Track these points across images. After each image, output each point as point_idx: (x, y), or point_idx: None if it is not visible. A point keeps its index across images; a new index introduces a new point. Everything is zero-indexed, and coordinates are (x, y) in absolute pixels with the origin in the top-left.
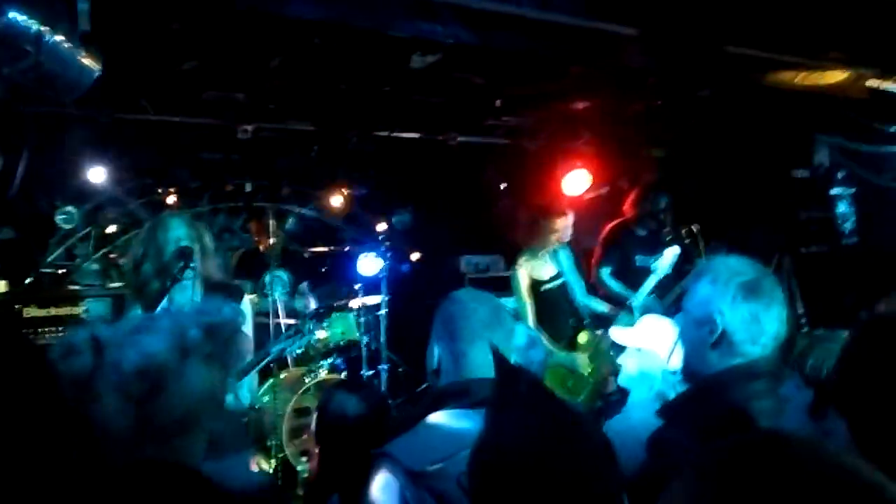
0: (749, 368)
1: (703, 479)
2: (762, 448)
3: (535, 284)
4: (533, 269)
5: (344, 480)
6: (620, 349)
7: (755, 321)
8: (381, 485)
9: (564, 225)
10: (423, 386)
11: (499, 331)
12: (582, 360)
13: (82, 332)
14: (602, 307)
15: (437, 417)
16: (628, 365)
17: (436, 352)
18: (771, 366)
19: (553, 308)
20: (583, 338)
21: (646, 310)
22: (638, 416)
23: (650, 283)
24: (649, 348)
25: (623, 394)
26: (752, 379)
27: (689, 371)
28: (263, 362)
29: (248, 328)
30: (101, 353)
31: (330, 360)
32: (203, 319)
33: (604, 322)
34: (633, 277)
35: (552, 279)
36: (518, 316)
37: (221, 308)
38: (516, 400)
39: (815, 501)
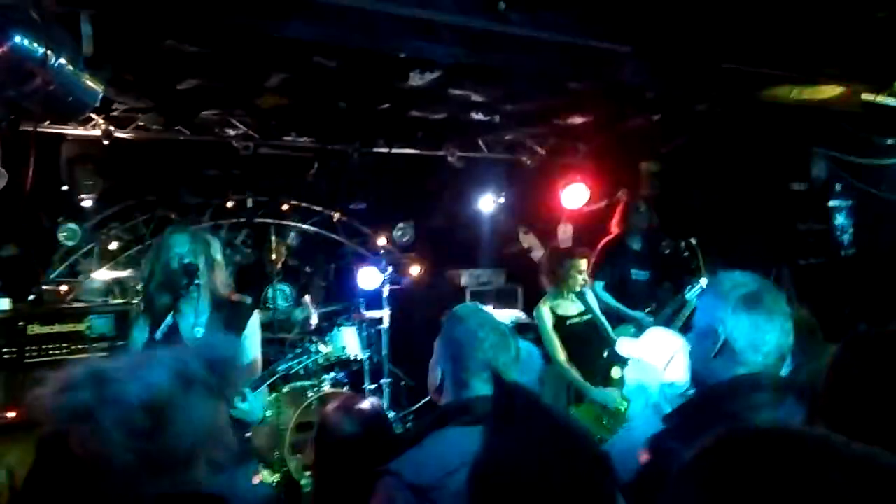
0: (753, 379)
1: (693, 476)
2: (748, 440)
3: (561, 321)
4: (557, 307)
5: (342, 498)
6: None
7: (756, 330)
8: (386, 500)
9: (586, 266)
10: (425, 399)
11: (503, 355)
12: (615, 396)
13: (82, 367)
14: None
15: (441, 435)
16: (629, 376)
17: (439, 373)
18: (775, 379)
19: (582, 344)
20: (616, 372)
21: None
22: (637, 427)
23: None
24: (648, 360)
25: None
26: (756, 390)
27: (695, 381)
28: (271, 380)
29: (258, 343)
30: (102, 387)
31: (332, 375)
32: (204, 354)
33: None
34: (628, 290)
35: (579, 315)
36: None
37: (223, 343)
38: (514, 415)
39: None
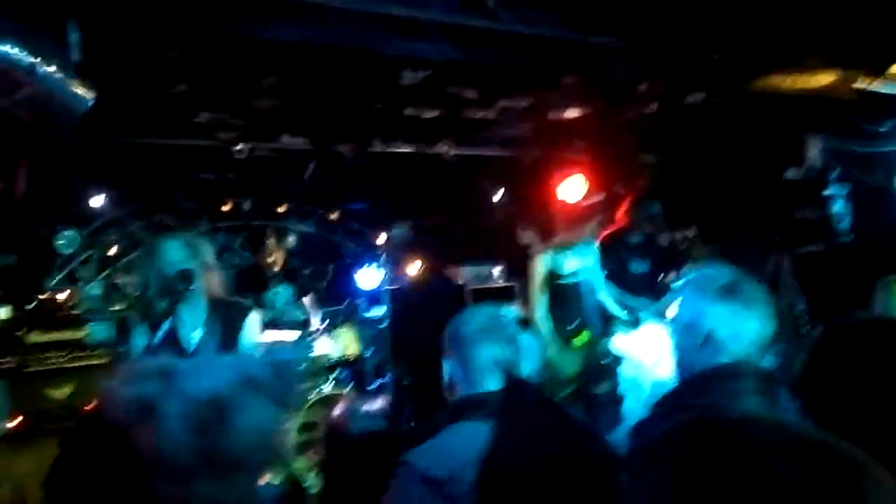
0: (734, 367)
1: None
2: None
3: (552, 276)
4: (553, 261)
5: (352, 496)
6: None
7: (735, 318)
8: (399, 491)
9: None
10: (428, 397)
11: (498, 334)
12: (570, 361)
13: (150, 360)
14: (617, 311)
15: (456, 428)
16: (625, 372)
17: (446, 367)
18: (757, 368)
19: (562, 303)
20: (581, 339)
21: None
22: (630, 425)
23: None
24: (642, 358)
25: (613, 398)
26: (736, 378)
27: (680, 373)
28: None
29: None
30: (169, 379)
31: (334, 375)
32: (270, 358)
33: (610, 326)
34: (628, 284)
35: (570, 275)
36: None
37: (288, 350)
38: (522, 410)
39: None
